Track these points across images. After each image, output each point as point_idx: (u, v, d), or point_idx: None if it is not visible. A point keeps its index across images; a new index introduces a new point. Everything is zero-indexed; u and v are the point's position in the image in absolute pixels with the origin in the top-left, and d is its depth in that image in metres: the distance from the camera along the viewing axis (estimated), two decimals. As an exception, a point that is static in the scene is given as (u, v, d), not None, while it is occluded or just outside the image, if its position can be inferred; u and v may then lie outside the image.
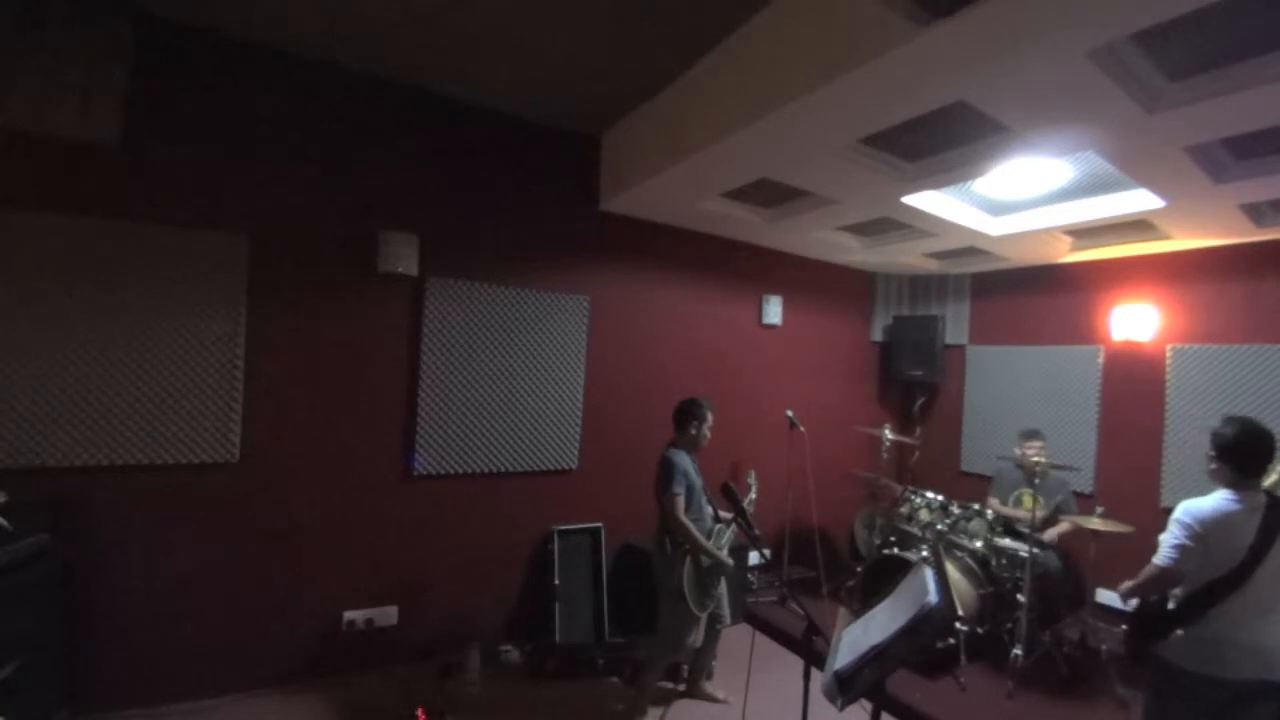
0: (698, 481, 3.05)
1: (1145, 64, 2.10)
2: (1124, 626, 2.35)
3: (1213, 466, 2.15)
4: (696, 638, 3.00)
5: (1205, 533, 2.02)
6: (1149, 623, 2.19)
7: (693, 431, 3.10)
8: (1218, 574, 2.00)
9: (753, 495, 3.45)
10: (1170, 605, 2.15)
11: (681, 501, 2.92)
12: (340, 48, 3.13)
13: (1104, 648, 3.45)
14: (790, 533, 4.59)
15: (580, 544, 3.94)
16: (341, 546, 3.31)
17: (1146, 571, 2.14)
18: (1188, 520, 2.06)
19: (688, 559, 2.92)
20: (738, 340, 4.77)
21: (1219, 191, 2.94)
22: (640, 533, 3.64)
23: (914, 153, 3.02)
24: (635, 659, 3.46)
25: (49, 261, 2.67)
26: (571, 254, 4.01)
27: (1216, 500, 2.08)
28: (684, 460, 3.00)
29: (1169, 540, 2.09)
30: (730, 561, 3.03)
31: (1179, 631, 2.09)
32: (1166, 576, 2.10)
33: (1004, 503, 4.12)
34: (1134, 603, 2.29)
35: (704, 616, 2.99)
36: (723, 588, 3.13)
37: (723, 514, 3.13)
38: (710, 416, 3.13)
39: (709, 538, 3.01)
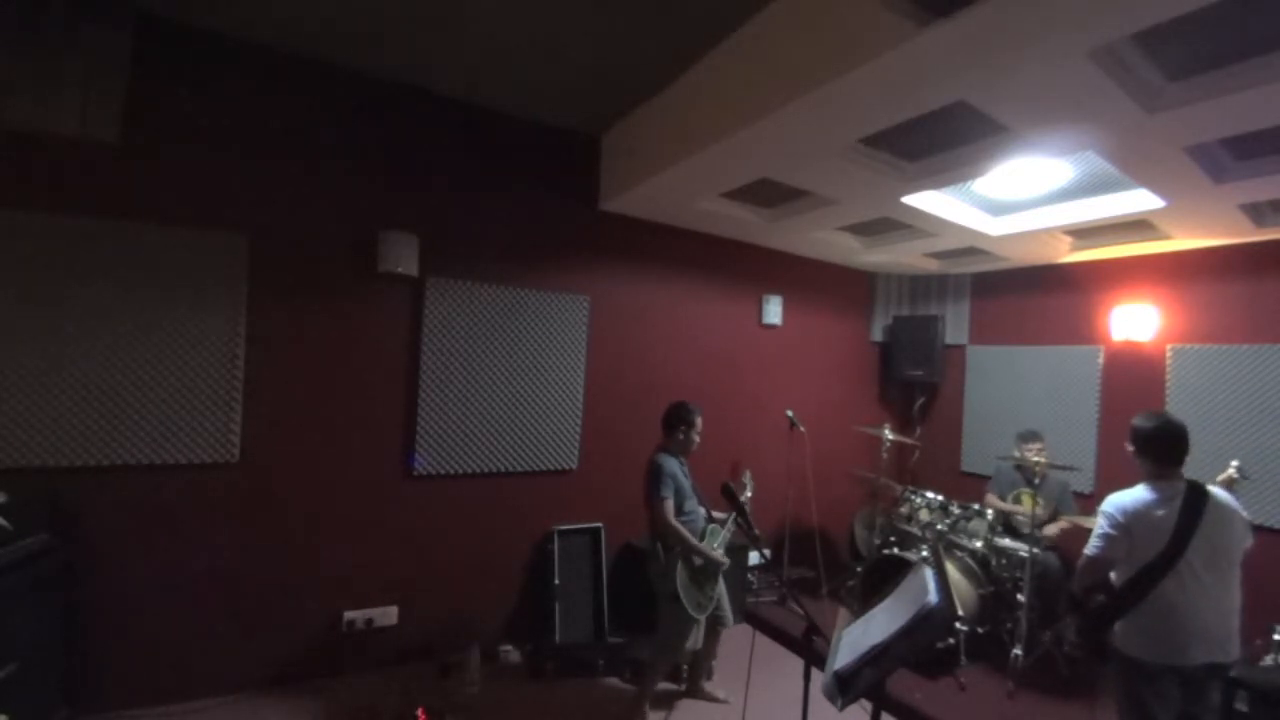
0: (686, 484, 3.06)
1: (1145, 64, 2.10)
2: (1075, 626, 2.48)
3: (1136, 460, 2.32)
4: (696, 640, 3.00)
5: (1127, 522, 2.18)
6: (1095, 618, 2.29)
7: (681, 436, 3.10)
8: (1146, 559, 2.14)
9: (748, 493, 3.44)
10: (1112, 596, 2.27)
11: (670, 505, 2.93)
12: (340, 48, 3.13)
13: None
14: (790, 533, 4.59)
15: (580, 544, 3.94)
16: (341, 546, 3.31)
17: (1080, 563, 2.32)
18: (1111, 511, 2.24)
19: (680, 562, 2.92)
20: (738, 340, 4.77)
21: (1219, 191, 2.94)
22: (640, 533, 3.63)
23: (914, 153, 3.02)
24: (635, 659, 3.46)
25: (49, 261, 2.67)
26: (571, 254, 4.01)
27: (1138, 491, 2.25)
28: (672, 464, 3.01)
29: (1095, 531, 2.27)
30: (725, 560, 3.03)
31: (1125, 619, 2.20)
32: (1096, 565, 2.26)
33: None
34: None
35: (703, 619, 2.99)
36: (721, 588, 3.13)
37: (716, 514, 3.14)
38: (699, 421, 3.14)
39: (701, 538, 3.01)
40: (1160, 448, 2.24)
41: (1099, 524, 2.26)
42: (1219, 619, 2.11)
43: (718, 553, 3.00)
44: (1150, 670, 2.13)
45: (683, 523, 2.97)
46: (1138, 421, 2.31)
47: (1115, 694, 2.30)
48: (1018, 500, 4.02)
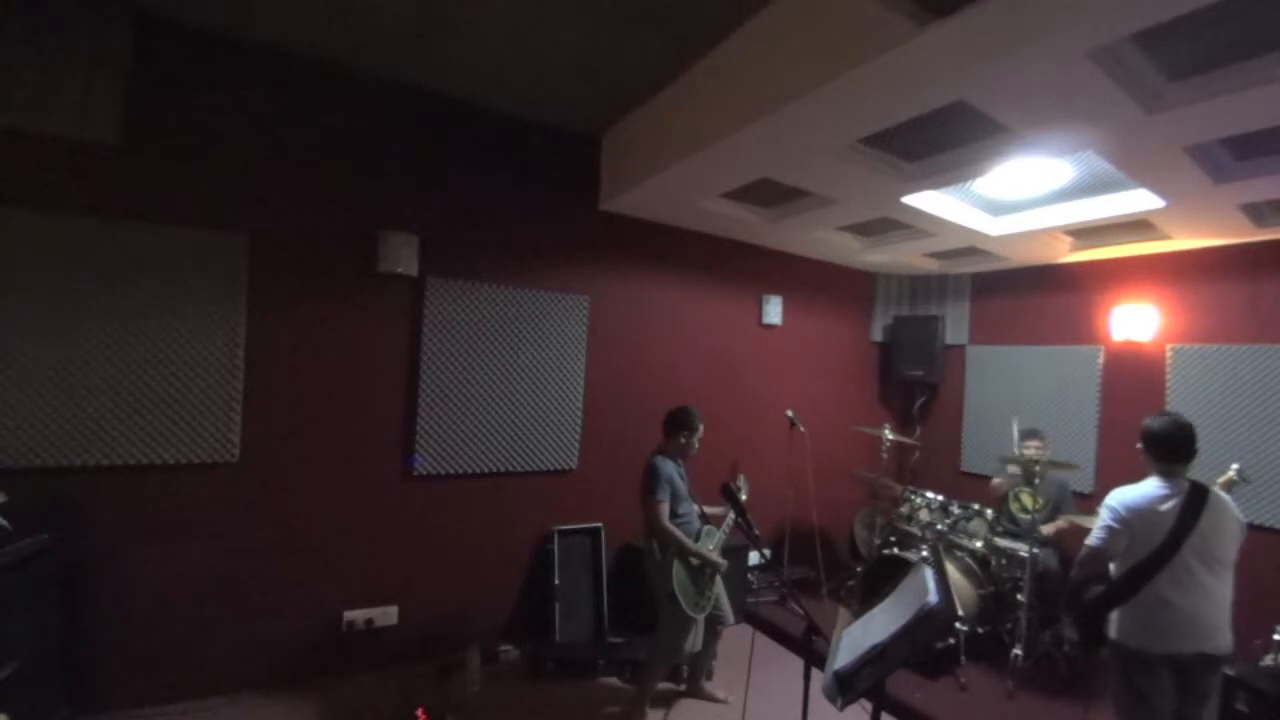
0: (683, 487, 3.06)
1: (1145, 64, 2.10)
2: (1072, 617, 2.55)
3: (1143, 458, 2.35)
4: (695, 640, 2.99)
5: (1129, 516, 2.24)
6: (1091, 608, 2.34)
7: (682, 440, 3.11)
8: (1144, 553, 2.20)
9: (743, 497, 3.44)
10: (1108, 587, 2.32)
11: (665, 508, 2.93)
12: (340, 48, 3.12)
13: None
14: (790, 533, 4.59)
15: (580, 544, 3.94)
16: (341, 546, 3.31)
17: (1080, 554, 2.37)
18: (1114, 505, 2.29)
19: (677, 563, 2.92)
20: (738, 340, 4.77)
21: (1219, 191, 2.94)
22: (640, 533, 3.64)
23: (914, 153, 3.02)
24: (635, 659, 3.46)
25: (49, 261, 2.66)
26: (571, 254, 4.01)
27: (1142, 487, 2.29)
28: (668, 467, 3.01)
29: (1098, 524, 2.33)
30: (722, 561, 3.03)
31: (1120, 610, 2.26)
32: (1096, 556, 2.32)
33: (1003, 504, 4.10)
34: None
35: (701, 618, 2.99)
36: (719, 587, 3.13)
37: (708, 510, 3.14)
38: (701, 428, 3.15)
39: (696, 540, 3.01)
40: (1166, 447, 2.27)
41: (1102, 516, 2.31)
42: (1210, 611, 2.17)
43: (714, 554, 3.00)
44: (1146, 659, 2.18)
45: (677, 524, 2.97)
46: (1148, 421, 2.35)
47: (1113, 684, 2.33)
48: (1017, 497, 4.02)
